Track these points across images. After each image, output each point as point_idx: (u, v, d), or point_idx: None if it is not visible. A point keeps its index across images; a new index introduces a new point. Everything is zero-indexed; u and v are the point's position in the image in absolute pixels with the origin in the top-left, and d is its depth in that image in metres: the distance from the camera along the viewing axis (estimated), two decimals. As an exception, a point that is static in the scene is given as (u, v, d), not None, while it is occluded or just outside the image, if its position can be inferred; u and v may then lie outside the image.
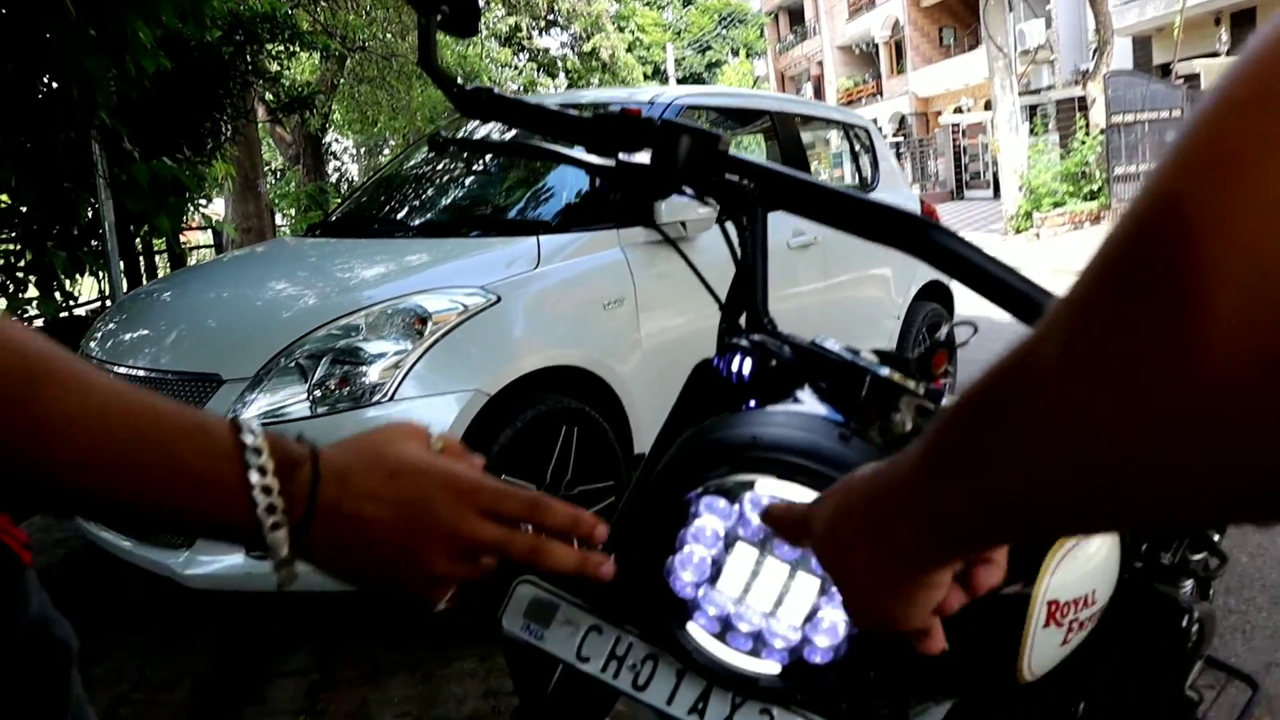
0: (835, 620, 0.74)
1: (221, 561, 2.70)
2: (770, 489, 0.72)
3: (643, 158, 1.03)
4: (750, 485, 0.73)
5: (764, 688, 0.77)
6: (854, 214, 0.96)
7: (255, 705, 2.65)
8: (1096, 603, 1.05)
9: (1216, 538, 1.85)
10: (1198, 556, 1.86)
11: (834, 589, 0.74)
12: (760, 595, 0.75)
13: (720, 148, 1.00)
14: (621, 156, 1.04)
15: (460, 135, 3.83)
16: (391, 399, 2.68)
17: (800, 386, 0.84)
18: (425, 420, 2.69)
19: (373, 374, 2.70)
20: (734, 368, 0.84)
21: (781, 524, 0.62)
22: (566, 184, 3.69)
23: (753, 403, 0.82)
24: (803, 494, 0.72)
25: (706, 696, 0.82)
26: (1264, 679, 2.44)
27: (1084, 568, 1.01)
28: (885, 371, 0.84)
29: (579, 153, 1.11)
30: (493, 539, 0.64)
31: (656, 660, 0.83)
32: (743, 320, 0.99)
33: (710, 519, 0.75)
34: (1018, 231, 16.18)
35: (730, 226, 1.03)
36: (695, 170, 1.00)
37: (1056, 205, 15.87)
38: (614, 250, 3.34)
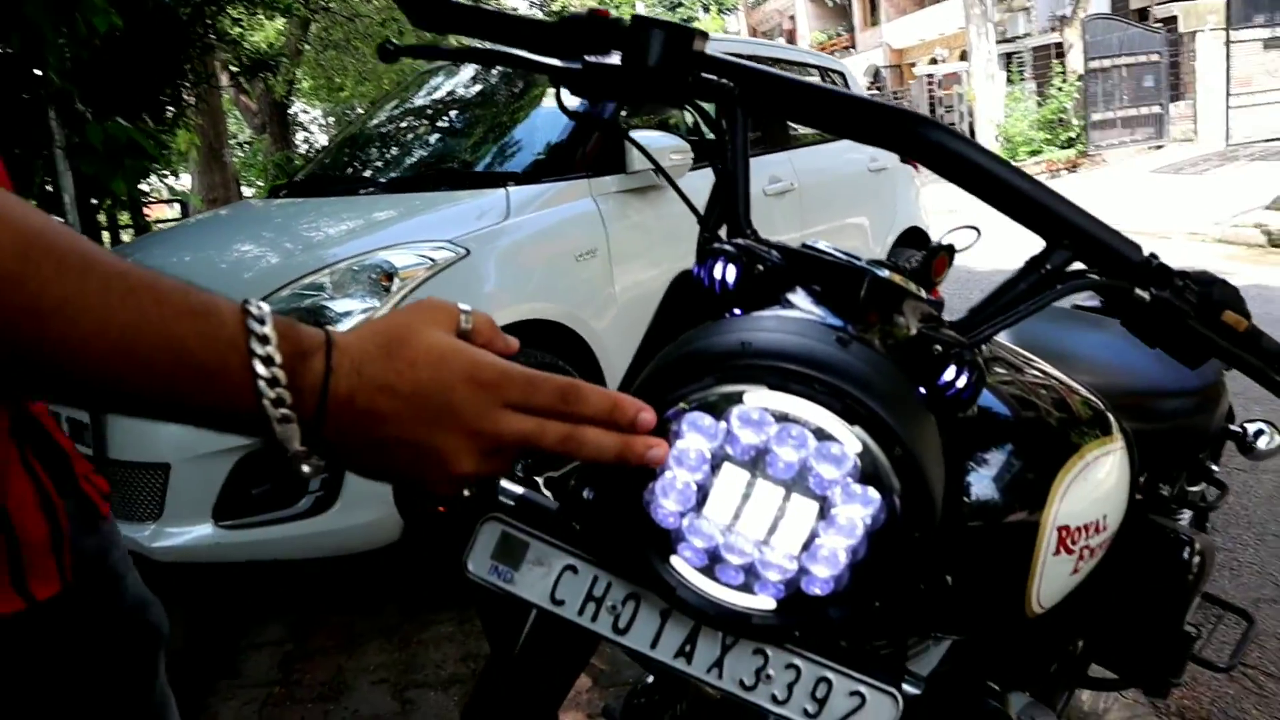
0: (835, 547, 0.66)
1: (190, 533, 2.61)
2: (762, 400, 0.64)
3: (613, 60, 0.93)
4: (739, 398, 0.64)
5: (757, 625, 0.70)
6: (840, 111, 0.88)
7: (229, 678, 2.57)
8: (1107, 529, 0.98)
9: (1215, 468, 1.80)
10: (1195, 488, 1.81)
11: (834, 513, 0.66)
12: (752, 522, 0.67)
13: (696, 46, 0.91)
14: (588, 59, 0.95)
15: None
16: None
17: (791, 291, 0.75)
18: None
19: (339, 332, 2.61)
20: (717, 275, 0.75)
21: None
22: (536, 134, 3.59)
23: (738, 311, 0.74)
24: (798, 405, 0.64)
25: (694, 638, 0.75)
26: (1256, 614, 2.41)
27: (1095, 492, 0.94)
28: (885, 273, 0.76)
29: (541, 58, 1.01)
30: (520, 434, 0.59)
31: (638, 600, 0.75)
32: (723, 231, 0.91)
33: (694, 438, 0.66)
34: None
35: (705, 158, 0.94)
36: (669, 70, 0.90)
37: (1034, 154, 15.84)
38: (585, 200, 3.24)
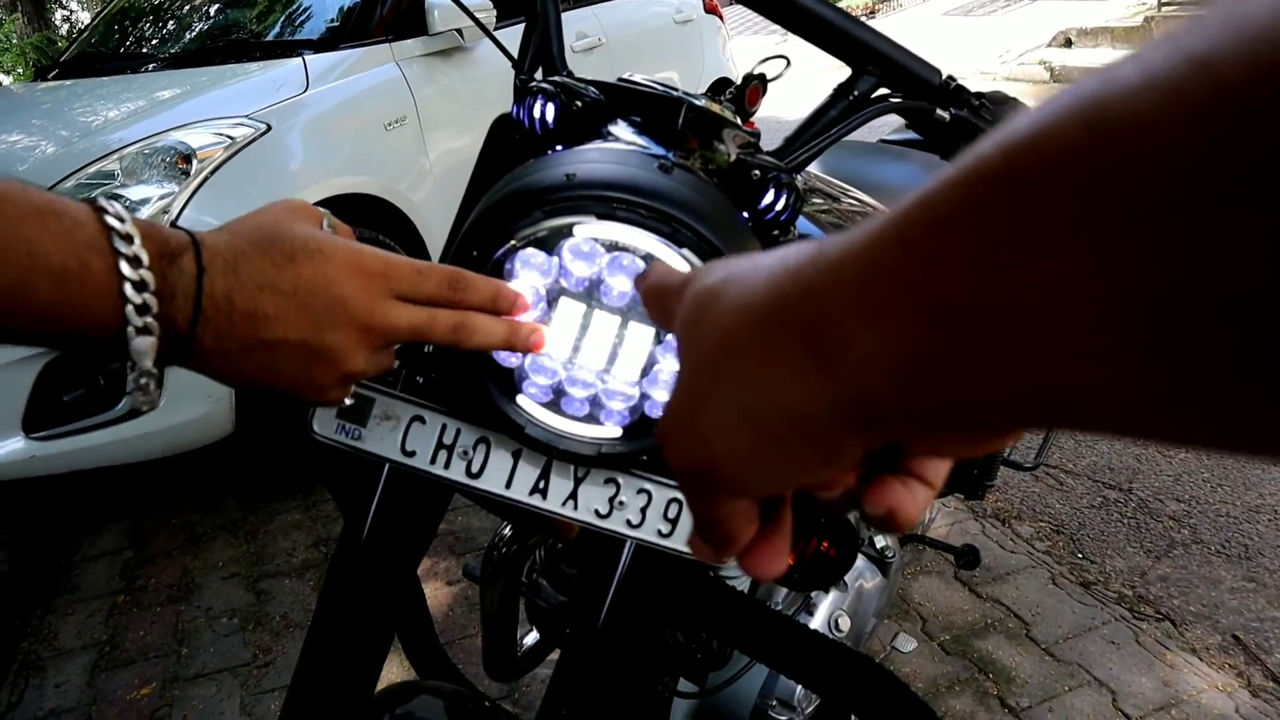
0: (673, 370, 0.69)
1: (-2, 450, 2.44)
2: (591, 231, 0.64)
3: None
4: (568, 231, 0.65)
5: (606, 454, 0.72)
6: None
7: (66, 595, 2.47)
8: None
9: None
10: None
11: (670, 337, 0.68)
12: (591, 353, 0.69)
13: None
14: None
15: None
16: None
17: (611, 124, 0.75)
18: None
19: (136, 223, 2.44)
20: (536, 114, 0.74)
21: (659, 298, 0.40)
22: (327, -3, 3.37)
23: (560, 148, 0.74)
24: (627, 233, 0.64)
25: (547, 474, 0.77)
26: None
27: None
28: (702, 102, 0.76)
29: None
30: (412, 325, 0.56)
31: (489, 443, 0.76)
32: (539, 74, 0.89)
33: (528, 275, 0.67)
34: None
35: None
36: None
37: (833, 5, 15.99)
38: (389, 66, 3.09)
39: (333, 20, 3.23)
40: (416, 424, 0.75)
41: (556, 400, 0.71)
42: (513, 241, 0.65)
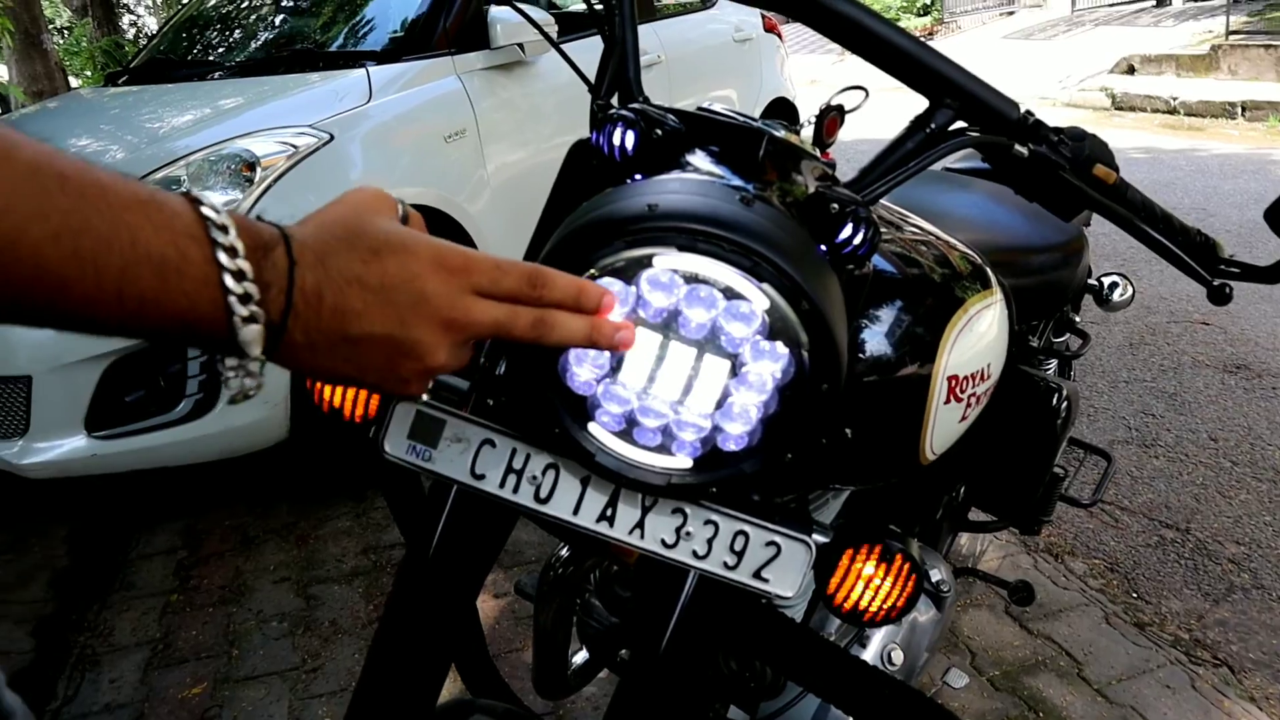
0: (748, 404, 0.68)
1: (62, 446, 2.50)
2: (671, 262, 0.64)
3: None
4: (648, 261, 0.65)
5: (676, 485, 0.72)
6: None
7: (122, 591, 2.51)
8: (990, 378, 1.04)
9: (1078, 319, 1.91)
10: (1060, 339, 1.92)
11: (745, 370, 0.68)
12: (666, 383, 0.69)
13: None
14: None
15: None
16: (227, 254, 2.47)
17: (690, 153, 0.75)
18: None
19: (202, 229, 2.48)
20: (615, 141, 0.75)
21: None
22: (392, 10, 3.42)
23: (639, 176, 0.74)
24: (707, 265, 0.64)
25: (615, 502, 0.77)
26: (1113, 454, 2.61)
27: (979, 343, 0.99)
28: (781, 133, 0.76)
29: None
30: (493, 321, 0.56)
31: (558, 469, 0.76)
32: (615, 100, 0.89)
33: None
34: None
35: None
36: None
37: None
38: (450, 79, 3.13)
39: (396, 32, 3.28)
40: (487, 447, 0.75)
41: (628, 429, 0.70)
42: (592, 270, 0.66)
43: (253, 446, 2.64)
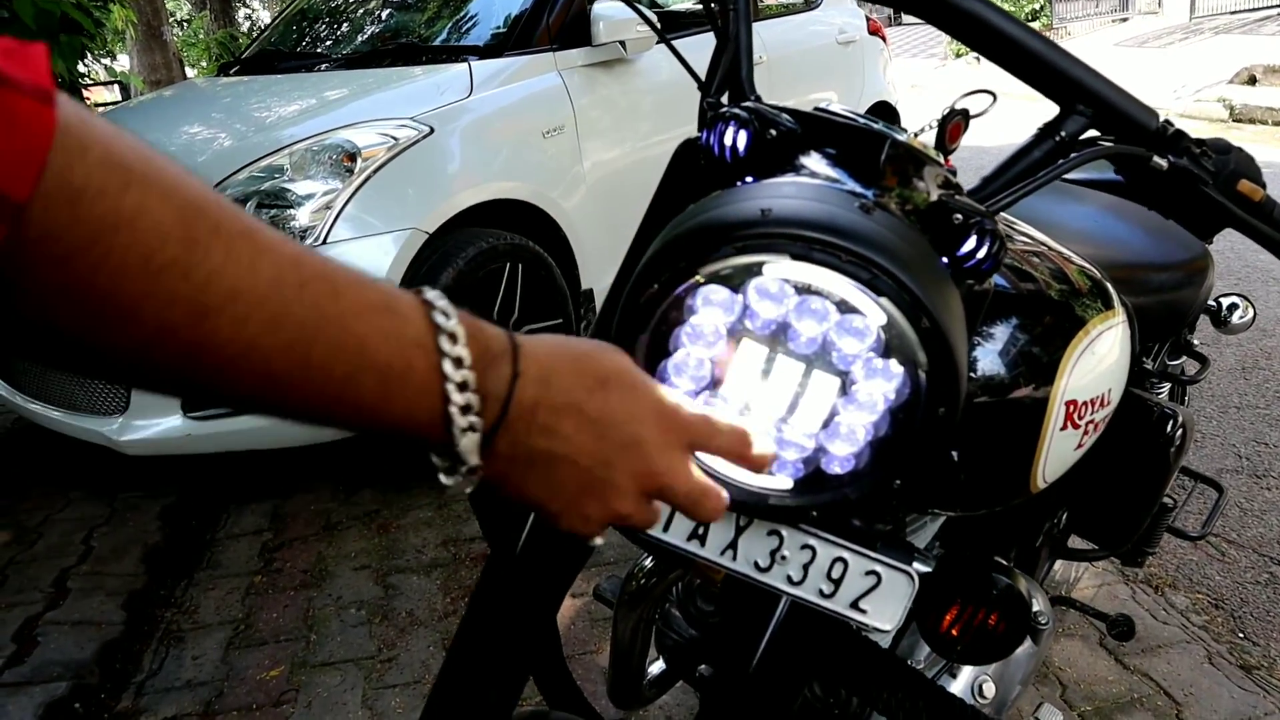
0: (856, 425, 0.64)
1: (159, 425, 2.57)
2: (782, 272, 0.60)
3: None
4: (757, 269, 0.61)
5: (774, 506, 0.68)
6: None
7: (208, 569, 2.56)
8: (1110, 404, 0.97)
9: (1195, 342, 1.81)
10: (1175, 361, 1.82)
11: (856, 388, 0.64)
12: (770, 400, 0.65)
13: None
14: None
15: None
16: (324, 242, 2.51)
17: (805, 156, 0.71)
18: (362, 263, 2.54)
19: (302, 216, 2.52)
20: (726, 141, 0.71)
21: None
22: (496, 6, 3.43)
23: (750, 179, 0.70)
24: (821, 276, 0.60)
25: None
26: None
27: (1100, 366, 0.93)
28: (904, 137, 0.72)
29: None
30: (688, 491, 0.54)
31: (649, 483, 0.72)
32: (725, 98, 0.86)
33: (709, 313, 0.63)
34: (957, 56, 15.91)
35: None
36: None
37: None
38: (551, 75, 3.13)
39: (499, 28, 3.29)
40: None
41: (727, 445, 0.67)
42: (698, 277, 0.62)
43: (339, 433, 2.67)
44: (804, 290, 0.62)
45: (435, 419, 0.46)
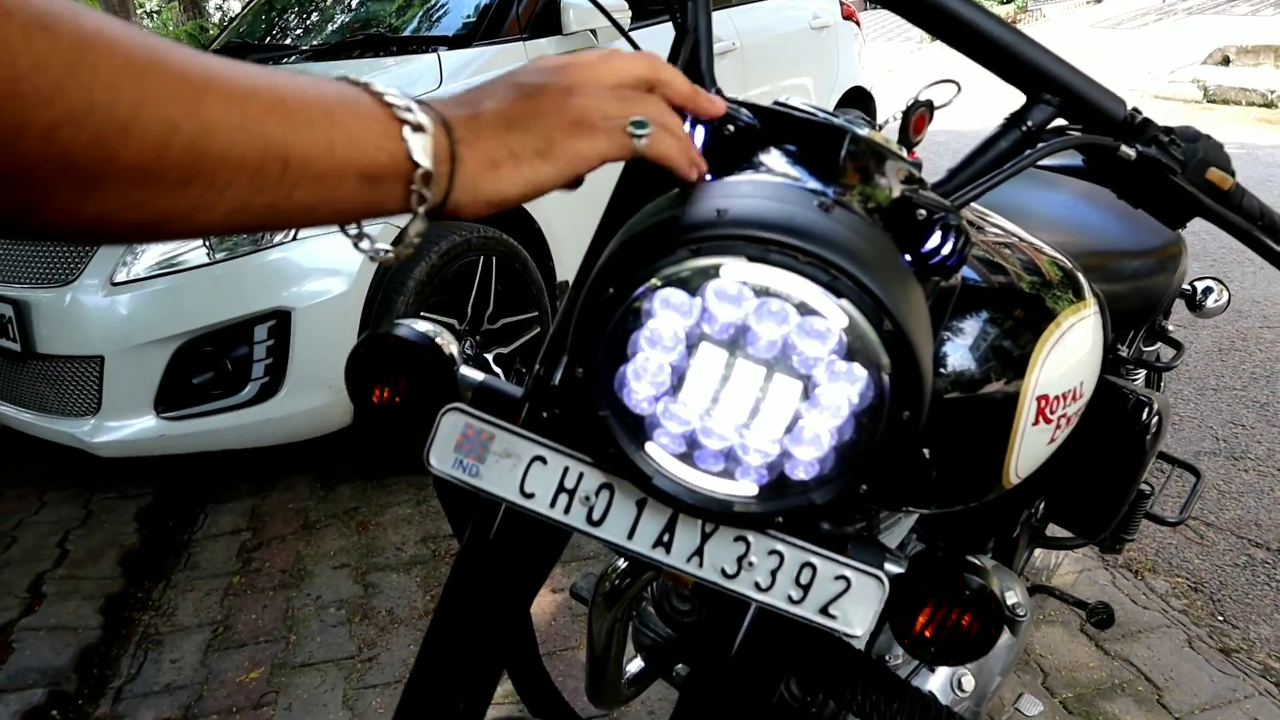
0: (820, 429, 0.63)
1: (132, 426, 2.54)
2: (740, 274, 0.59)
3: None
4: (715, 271, 0.59)
5: (739, 512, 0.66)
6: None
7: (186, 571, 2.54)
8: (1082, 397, 0.96)
9: (1169, 327, 1.80)
10: (1150, 348, 1.82)
11: (819, 392, 0.62)
12: (731, 404, 0.63)
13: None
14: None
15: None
16: (295, 239, 2.48)
17: (764, 152, 0.69)
18: (331, 261, 2.51)
19: (271, 213, 2.49)
20: (683, 138, 0.69)
21: None
22: (464, -5, 3.39)
23: (709, 177, 0.68)
24: (780, 277, 0.59)
25: (672, 527, 0.71)
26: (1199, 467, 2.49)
27: (1071, 359, 0.91)
28: (865, 131, 0.70)
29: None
30: (641, 71, 0.61)
31: (612, 490, 0.71)
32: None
33: (667, 317, 0.62)
34: (932, 40, 15.90)
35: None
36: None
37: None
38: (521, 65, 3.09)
39: (469, 17, 3.25)
40: (537, 464, 0.71)
41: (689, 451, 0.65)
42: (654, 280, 0.60)
43: (315, 431, 2.65)
44: (763, 293, 0.60)
45: (391, 144, 0.51)
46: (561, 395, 0.75)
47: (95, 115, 0.39)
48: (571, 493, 0.70)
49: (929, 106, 0.75)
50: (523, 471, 0.71)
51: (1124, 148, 0.78)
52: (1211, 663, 2.10)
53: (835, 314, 0.59)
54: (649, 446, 0.66)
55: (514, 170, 0.56)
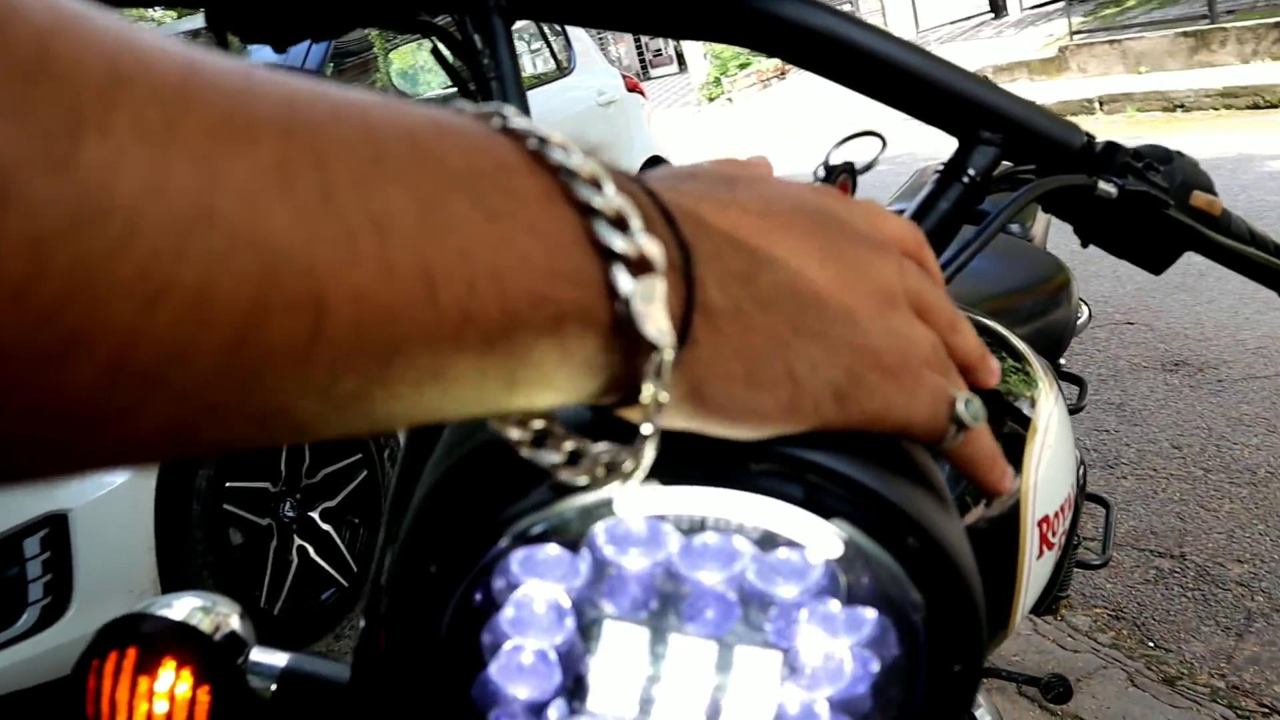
0: (823, 715, 0.38)
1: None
2: (650, 505, 0.34)
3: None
4: (605, 509, 0.34)
5: None
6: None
7: None
8: (1072, 500, 0.76)
9: (1063, 362, 1.67)
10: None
11: (806, 665, 0.37)
12: (671, 706, 0.37)
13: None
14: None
15: None
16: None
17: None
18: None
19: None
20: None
21: None
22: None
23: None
24: (716, 499, 0.34)
25: None
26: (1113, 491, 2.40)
27: (1058, 461, 0.70)
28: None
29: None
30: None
31: None
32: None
33: (539, 589, 0.36)
34: (710, 100, 16.40)
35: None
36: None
37: (743, 67, 16.15)
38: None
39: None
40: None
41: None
42: (502, 541, 0.34)
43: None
44: (693, 527, 0.35)
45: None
46: (399, 687, 0.47)
47: None
48: None
49: (850, 171, 0.53)
50: None
51: (1101, 184, 0.58)
52: (1160, 698, 1.95)
53: (822, 540, 0.35)
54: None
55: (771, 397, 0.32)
